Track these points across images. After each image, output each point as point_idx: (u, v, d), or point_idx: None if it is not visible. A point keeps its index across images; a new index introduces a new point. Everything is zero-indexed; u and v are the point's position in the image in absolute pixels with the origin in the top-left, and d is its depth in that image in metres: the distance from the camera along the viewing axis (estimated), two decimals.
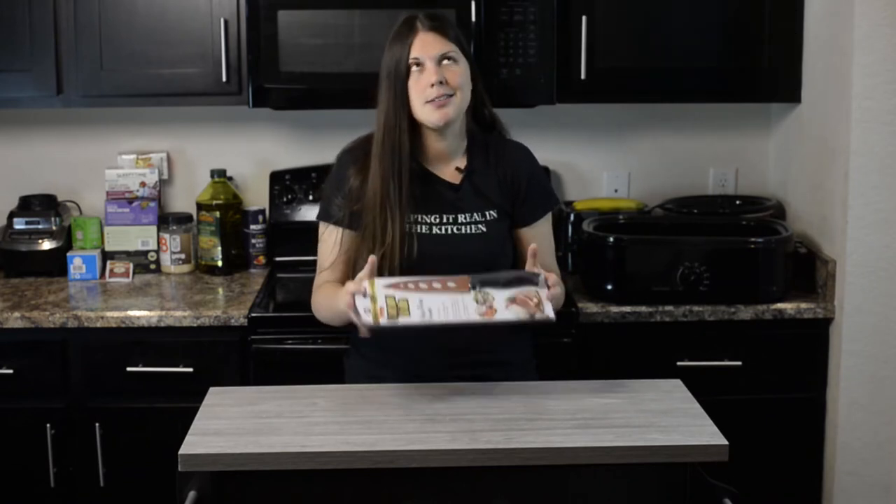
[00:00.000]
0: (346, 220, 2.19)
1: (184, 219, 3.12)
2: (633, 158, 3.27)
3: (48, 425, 2.69)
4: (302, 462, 1.76)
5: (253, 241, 3.13)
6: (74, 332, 2.68)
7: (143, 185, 3.13)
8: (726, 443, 1.79)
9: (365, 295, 1.93)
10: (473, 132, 2.25)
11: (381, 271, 2.12)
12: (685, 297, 2.71)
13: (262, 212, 3.15)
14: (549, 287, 1.99)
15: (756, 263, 2.73)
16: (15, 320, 2.67)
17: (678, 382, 2.08)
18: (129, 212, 3.11)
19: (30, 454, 2.71)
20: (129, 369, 2.68)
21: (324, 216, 2.24)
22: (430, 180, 2.20)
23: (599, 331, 2.71)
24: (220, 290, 2.91)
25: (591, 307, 2.71)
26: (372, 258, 2.01)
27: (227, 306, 2.74)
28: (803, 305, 2.73)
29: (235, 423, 1.87)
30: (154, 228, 3.10)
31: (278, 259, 3.14)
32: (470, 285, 1.96)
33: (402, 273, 2.09)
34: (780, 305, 2.71)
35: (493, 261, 2.18)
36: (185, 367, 2.68)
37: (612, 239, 2.72)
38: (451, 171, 2.21)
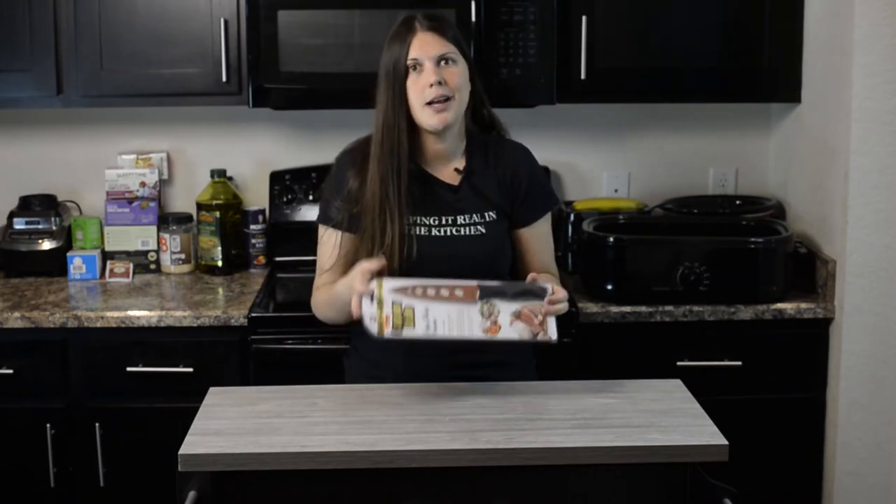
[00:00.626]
0: (345, 223, 2.19)
1: (184, 219, 3.12)
2: (633, 158, 3.27)
3: (48, 425, 2.69)
4: (302, 462, 1.76)
5: (253, 241, 3.13)
6: (74, 332, 2.68)
7: (143, 185, 3.13)
8: (726, 443, 1.79)
9: (372, 298, 1.93)
10: (472, 132, 2.24)
11: (381, 274, 2.12)
12: (685, 297, 2.71)
13: (262, 212, 3.15)
14: (554, 303, 1.97)
15: (756, 263, 2.73)
16: (15, 320, 2.67)
17: (678, 382, 2.07)
18: (129, 212, 3.11)
19: (30, 454, 2.71)
20: (129, 369, 2.68)
21: (323, 219, 2.24)
22: (429, 182, 2.20)
23: (599, 331, 2.71)
24: (220, 290, 2.91)
25: (591, 307, 2.71)
26: (382, 260, 2.00)
27: (227, 306, 2.74)
28: (803, 305, 2.73)
29: (235, 423, 1.87)
30: (154, 228, 3.10)
31: (278, 259, 3.14)
32: (478, 296, 1.95)
33: (401, 274, 2.09)
34: (780, 305, 2.71)
35: (492, 262, 2.18)
36: (185, 367, 2.68)
37: (612, 239, 2.72)
38: (449, 172, 2.21)
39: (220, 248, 3.06)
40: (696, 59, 2.91)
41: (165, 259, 3.10)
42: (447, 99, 2.10)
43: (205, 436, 1.82)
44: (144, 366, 2.68)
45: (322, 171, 3.09)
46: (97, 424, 2.69)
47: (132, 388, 2.70)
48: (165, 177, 3.23)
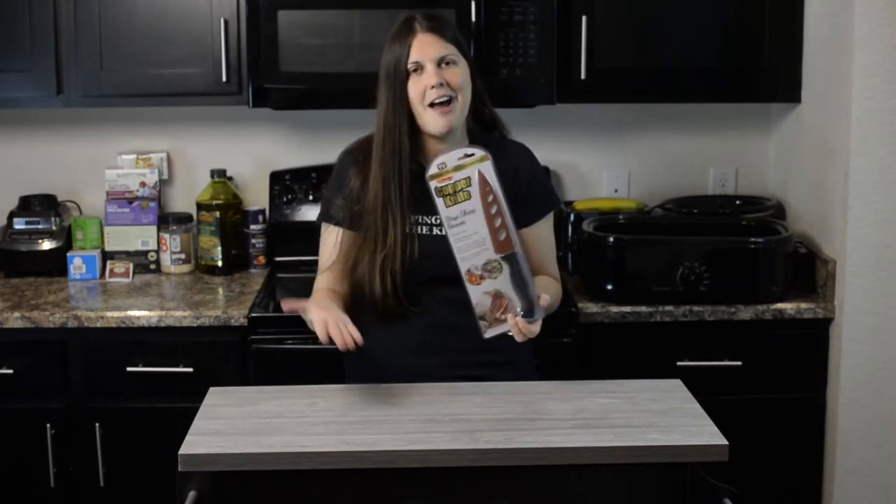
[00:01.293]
0: (346, 221, 2.20)
1: (184, 219, 3.12)
2: (633, 158, 3.27)
3: (48, 425, 2.69)
4: (302, 462, 1.76)
5: (253, 241, 3.13)
6: (74, 332, 2.68)
7: (143, 185, 3.13)
8: (726, 443, 1.79)
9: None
10: (474, 132, 2.25)
11: (383, 273, 2.12)
12: (685, 297, 2.71)
13: (262, 212, 3.15)
14: (521, 328, 1.97)
15: (756, 263, 2.73)
16: (15, 320, 2.67)
17: (678, 382, 2.07)
18: (129, 212, 3.11)
19: (30, 454, 2.71)
20: (129, 369, 2.68)
21: (324, 217, 2.25)
22: None
23: (599, 331, 2.71)
24: (220, 290, 2.91)
25: (591, 307, 2.71)
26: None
27: (227, 306, 2.74)
28: (803, 305, 2.73)
29: (235, 423, 1.87)
30: (154, 228, 3.10)
31: (278, 259, 3.14)
32: (502, 255, 1.94)
33: (404, 274, 2.09)
34: (780, 305, 2.71)
35: None
36: (185, 367, 2.68)
37: (612, 239, 2.72)
38: None
39: (220, 248, 3.06)
40: (696, 59, 2.91)
41: (165, 259, 3.10)
42: (449, 100, 2.10)
43: (205, 436, 1.82)
44: (144, 366, 2.68)
45: (322, 171, 3.09)
46: (97, 424, 2.69)
47: (132, 388, 2.70)
48: (165, 177, 3.23)
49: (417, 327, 2.18)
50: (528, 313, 1.97)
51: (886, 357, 2.71)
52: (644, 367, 2.59)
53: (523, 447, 1.77)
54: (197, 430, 1.85)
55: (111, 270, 3.04)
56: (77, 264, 3.02)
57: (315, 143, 3.21)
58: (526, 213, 2.25)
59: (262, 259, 3.14)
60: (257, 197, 3.22)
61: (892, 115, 2.62)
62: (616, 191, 3.27)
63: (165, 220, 3.09)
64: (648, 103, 3.17)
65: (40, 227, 3.09)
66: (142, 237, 3.10)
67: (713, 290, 2.70)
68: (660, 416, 1.90)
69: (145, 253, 3.10)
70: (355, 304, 2.20)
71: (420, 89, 2.10)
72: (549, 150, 3.15)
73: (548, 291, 2.20)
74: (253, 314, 2.67)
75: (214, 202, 3.08)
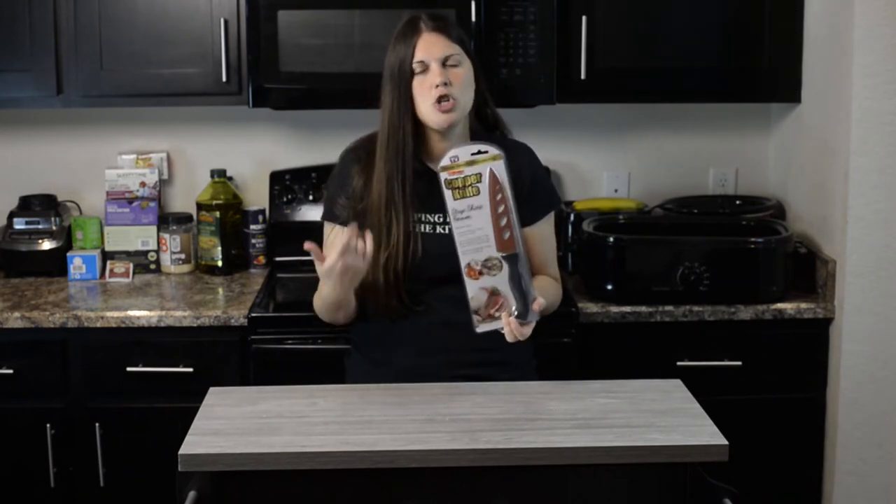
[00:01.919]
0: (349, 220, 2.19)
1: (184, 219, 3.12)
2: (633, 158, 3.27)
3: (48, 425, 2.69)
4: (302, 462, 1.76)
5: (253, 241, 3.13)
6: (74, 332, 2.68)
7: (143, 185, 3.13)
8: (726, 443, 1.79)
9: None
10: (476, 131, 2.25)
11: (386, 271, 2.13)
12: (685, 297, 2.71)
13: (262, 212, 3.15)
14: (512, 327, 1.98)
15: (756, 263, 2.73)
16: (15, 320, 2.67)
17: (678, 382, 2.07)
18: (129, 212, 3.11)
19: (30, 454, 2.71)
20: (129, 369, 2.68)
21: (328, 216, 2.25)
22: (433, 180, 2.20)
23: (599, 331, 2.71)
24: (220, 290, 2.91)
25: (591, 307, 2.71)
26: (352, 229, 2.00)
27: (227, 306, 2.74)
28: (803, 305, 2.73)
29: (235, 423, 1.87)
30: (154, 228, 3.10)
31: (278, 259, 3.14)
32: (504, 253, 1.95)
33: (406, 273, 2.10)
34: (780, 305, 2.71)
35: None
36: (185, 367, 2.68)
37: (612, 239, 2.72)
38: None
39: (220, 248, 3.06)
40: (696, 59, 2.91)
41: (165, 259, 3.10)
42: (452, 100, 2.11)
43: (205, 436, 1.82)
44: (144, 366, 2.68)
45: (322, 171, 3.09)
46: (97, 424, 2.69)
47: (132, 388, 2.70)
48: (165, 177, 3.23)
49: (419, 326, 2.18)
50: (522, 315, 1.98)
51: (886, 357, 2.71)
52: (644, 367, 2.59)
53: (523, 447, 1.77)
54: (197, 430, 1.85)
55: (111, 270, 3.04)
56: (77, 264, 3.02)
57: (315, 143, 3.21)
58: (527, 212, 2.24)
59: (262, 259, 3.14)
60: (257, 197, 3.22)
61: (892, 115, 2.62)
62: (616, 191, 3.27)
63: (165, 220, 3.09)
64: (648, 103, 3.17)
65: (40, 227, 3.09)
66: (142, 237, 3.10)
67: (713, 290, 2.70)
68: (660, 416, 1.90)
69: (145, 253, 3.10)
70: (357, 303, 2.20)
71: (424, 88, 2.11)
72: (549, 150, 3.14)
73: (547, 292, 2.21)
74: (253, 314, 2.67)
75: (214, 202, 3.08)
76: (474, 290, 1.97)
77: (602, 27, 2.86)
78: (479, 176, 1.94)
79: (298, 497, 1.84)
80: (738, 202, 3.15)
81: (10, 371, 2.69)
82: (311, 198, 3.13)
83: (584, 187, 3.27)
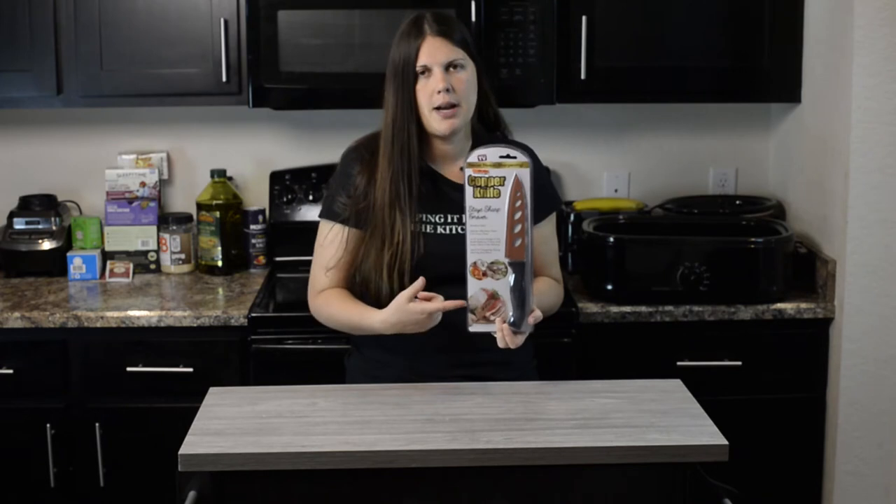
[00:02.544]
0: (351, 219, 2.20)
1: (184, 219, 3.12)
2: (633, 158, 3.27)
3: (48, 425, 2.69)
4: (302, 462, 1.76)
5: (253, 241, 3.13)
6: (74, 332, 2.68)
7: (143, 185, 3.14)
8: (726, 443, 1.79)
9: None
10: (478, 132, 2.25)
11: (389, 271, 2.13)
12: (685, 297, 2.71)
13: (262, 212, 3.15)
14: (505, 333, 1.99)
15: (756, 263, 2.73)
16: (15, 320, 2.67)
17: (678, 382, 2.07)
18: (129, 212, 3.11)
19: (30, 454, 2.71)
20: (129, 369, 2.68)
21: (328, 214, 2.24)
22: (436, 180, 2.21)
23: (599, 331, 2.71)
24: (220, 290, 2.91)
25: (591, 307, 2.71)
26: (420, 283, 2.03)
27: (227, 306, 2.74)
28: (803, 305, 2.73)
29: (235, 423, 1.87)
30: (154, 228, 3.10)
31: (278, 259, 3.14)
32: (510, 259, 1.96)
33: (410, 272, 2.10)
34: (780, 305, 2.71)
35: None
36: (185, 367, 2.68)
37: (612, 239, 2.72)
38: (455, 171, 2.22)
39: (220, 248, 3.06)
40: (695, 59, 2.91)
41: (165, 259, 3.10)
42: (454, 105, 2.11)
43: (205, 436, 1.82)
44: (144, 366, 2.68)
45: (322, 171, 3.10)
46: (97, 424, 2.69)
47: (132, 388, 2.70)
48: (165, 177, 3.23)
49: None
50: (517, 324, 1.99)
51: (886, 357, 2.71)
52: (644, 367, 2.59)
53: (523, 447, 1.77)
54: (197, 430, 1.85)
55: (111, 270, 3.04)
56: (77, 264, 3.02)
57: (315, 143, 3.21)
58: None
59: (262, 259, 3.14)
60: (257, 197, 3.22)
61: (892, 115, 2.62)
62: (616, 191, 3.27)
63: (165, 220, 3.09)
64: (648, 103, 3.17)
65: (40, 227, 3.09)
66: (142, 237, 3.10)
67: (713, 290, 2.70)
68: (660, 416, 1.90)
69: (145, 253, 3.10)
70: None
71: (427, 92, 2.12)
72: (549, 150, 3.15)
73: (548, 294, 2.21)
74: (253, 314, 2.67)
75: (214, 202, 3.08)
76: (475, 289, 1.98)
77: (602, 27, 2.86)
78: (502, 179, 1.95)
79: (298, 497, 1.84)
80: (738, 202, 3.15)
81: (10, 371, 2.69)
82: (311, 198, 3.13)
83: (584, 187, 3.27)
